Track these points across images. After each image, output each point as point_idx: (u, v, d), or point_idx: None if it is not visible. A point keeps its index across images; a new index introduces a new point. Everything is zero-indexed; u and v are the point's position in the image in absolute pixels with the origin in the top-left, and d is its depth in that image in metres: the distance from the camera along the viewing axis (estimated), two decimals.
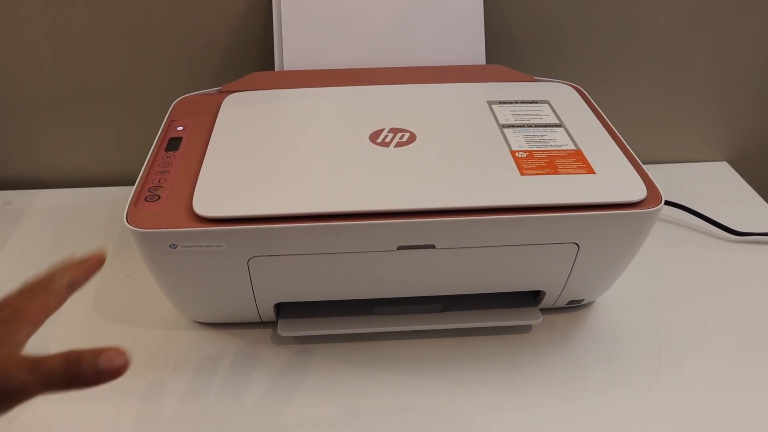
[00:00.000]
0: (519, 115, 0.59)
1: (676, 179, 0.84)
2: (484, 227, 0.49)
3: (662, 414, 0.53)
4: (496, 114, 0.60)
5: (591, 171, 0.52)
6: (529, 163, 0.53)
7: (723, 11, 0.76)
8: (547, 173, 0.51)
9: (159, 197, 0.51)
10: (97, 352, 0.34)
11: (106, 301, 0.64)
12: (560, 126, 0.58)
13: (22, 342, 0.36)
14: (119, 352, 0.35)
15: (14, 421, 0.52)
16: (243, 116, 0.59)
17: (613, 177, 0.52)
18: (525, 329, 0.61)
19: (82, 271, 0.42)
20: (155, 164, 0.55)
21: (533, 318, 0.59)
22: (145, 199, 0.51)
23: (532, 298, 0.61)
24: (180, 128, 0.59)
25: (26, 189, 0.82)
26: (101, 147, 0.82)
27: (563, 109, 0.61)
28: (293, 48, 0.69)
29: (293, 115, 0.60)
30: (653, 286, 0.66)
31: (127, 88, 0.77)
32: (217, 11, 0.73)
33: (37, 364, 0.34)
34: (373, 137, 0.55)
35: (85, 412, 0.53)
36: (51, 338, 0.59)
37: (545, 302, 0.60)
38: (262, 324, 0.61)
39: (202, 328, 0.61)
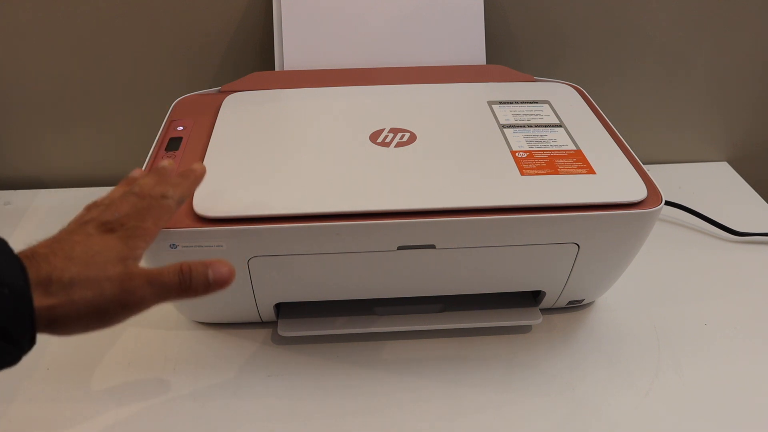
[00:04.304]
0: (519, 115, 0.59)
1: (676, 179, 0.84)
2: (484, 227, 0.49)
3: (662, 414, 0.53)
4: (497, 114, 0.60)
5: (591, 171, 0.52)
6: (530, 163, 0.53)
7: (723, 11, 0.76)
8: (547, 173, 0.51)
9: None
10: (206, 264, 0.37)
11: None
12: (560, 126, 0.58)
13: (141, 256, 0.39)
14: (225, 263, 0.38)
15: (14, 420, 0.52)
16: (243, 116, 0.59)
17: (614, 177, 0.52)
18: (525, 329, 0.61)
19: (188, 186, 0.44)
20: (156, 164, 0.55)
21: (533, 318, 0.59)
22: None
23: (532, 298, 0.61)
24: (180, 128, 0.59)
25: (26, 189, 0.82)
26: (101, 147, 0.82)
27: (563, 109, 0.61)
28: (293, 48, 0.69)
29: (293, 115, 0.60)
30: (653, 286, 0.66)
31: (127, 88, 0.77)
32: (217, 11, 0.73)
33: (155, 277, 0.37)
34: (374, 137, 0.55)
35: (86, 412, 0.53)
36: (51, 338, 0.59)
37: (545, 302, 0.60)
38: (262, 324, 0.61)
39: (202, 328, 0.61)
